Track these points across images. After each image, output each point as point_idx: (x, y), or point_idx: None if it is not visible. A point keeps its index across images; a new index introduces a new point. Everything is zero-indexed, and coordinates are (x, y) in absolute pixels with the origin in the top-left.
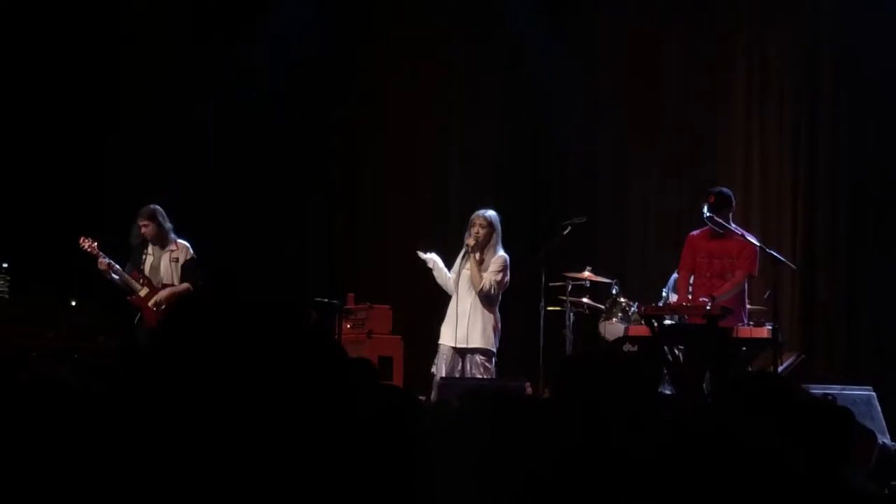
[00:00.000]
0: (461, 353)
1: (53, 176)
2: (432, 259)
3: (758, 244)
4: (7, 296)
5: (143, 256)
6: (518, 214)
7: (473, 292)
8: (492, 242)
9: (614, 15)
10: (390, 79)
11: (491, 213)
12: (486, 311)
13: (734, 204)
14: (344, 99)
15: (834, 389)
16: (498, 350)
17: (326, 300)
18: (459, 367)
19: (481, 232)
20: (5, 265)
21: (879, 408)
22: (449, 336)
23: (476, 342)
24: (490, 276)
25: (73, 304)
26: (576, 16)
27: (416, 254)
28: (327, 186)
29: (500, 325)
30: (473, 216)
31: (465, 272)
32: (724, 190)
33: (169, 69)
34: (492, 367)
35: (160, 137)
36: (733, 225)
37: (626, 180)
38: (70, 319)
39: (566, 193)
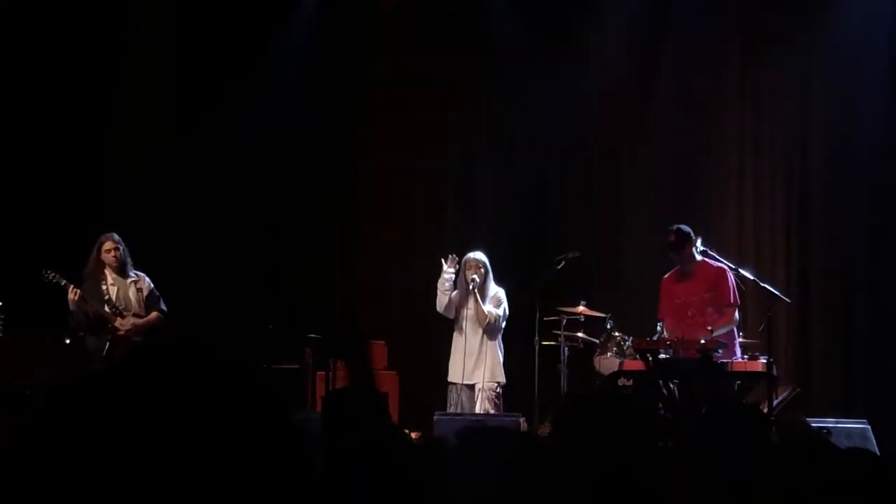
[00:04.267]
0: (470, 388)
1: (46, 215)
2: (451, 273)
3: (726, 266)
4: (1, 334)
5: (103, 286)
6: (513, 249)
7: (480, 330)
8: (487, 281)
9: (610, 52)
10: (388, 115)
11: (480, 254)
12: (492, 347)
13: (694, 238)
14: (342, 135)
15: (829, 422)
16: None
17: (320, 336)
18: (468, 403)
19: (478, 273)
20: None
21: (874, 441)
22: (457, 373)
23: (486, 377)
24: (493, 310)
25: (67, 342)
26: (573, 51)
27: (443, 260)
28: (324, 222)
29: (503, 356)
30: (466, 259)
31: (468, 311)
32: (682, 227)
33: (162, 102)
34: (500, 400)
35: (155, 170)
36: (698, 256)
37: (620, 215)
38: (63, 357)
39: (561, 228)
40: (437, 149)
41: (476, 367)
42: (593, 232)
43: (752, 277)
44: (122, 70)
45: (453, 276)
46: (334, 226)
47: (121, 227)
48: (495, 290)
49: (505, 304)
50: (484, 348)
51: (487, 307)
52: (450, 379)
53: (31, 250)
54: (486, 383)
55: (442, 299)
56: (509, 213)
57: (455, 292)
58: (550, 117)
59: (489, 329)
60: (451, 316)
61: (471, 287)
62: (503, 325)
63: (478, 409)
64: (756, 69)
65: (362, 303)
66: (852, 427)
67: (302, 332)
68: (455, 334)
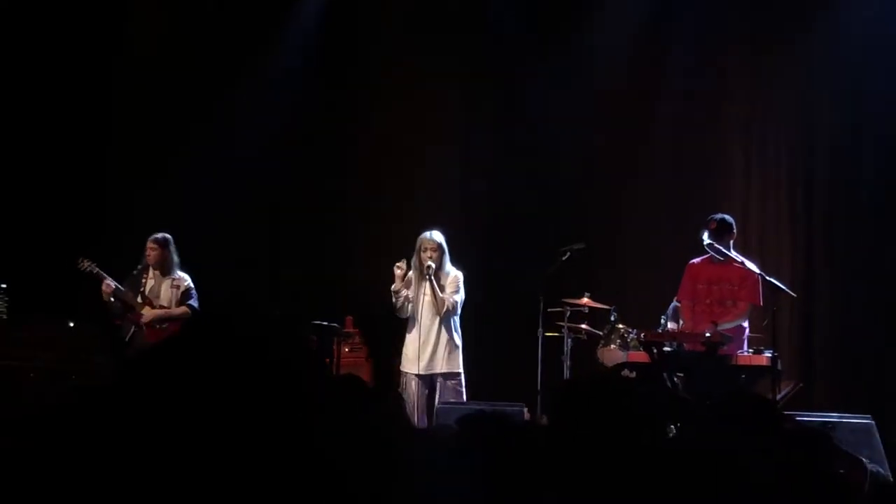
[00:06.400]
0: (429, 379)
1: (52, 196)
2: (402, 276)
3: (759, 272)
4: (5, 317)
5: (143, 280)
6: (517, 241)
7: (437, 317)
8: (443, 263)
9: (612, 44)
10: (388, 109)
11: (437, 234)
12: (449, 334)
13: (735, 231)
14: (342, 126)
15: (833, 417)
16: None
17: (325, 323)
18: (427, 394)
19: (434, 256)
20: (4, 286)
21: (878, 436)
22: (413, 363)
23: (444, 367)
24: (450, 297)
25: (71, 325)
26: (571, 44)
27: (396, 267)
28: (327, 211)
29: (461, 343)
30: (422, 240)
31: (426, 297)
32: (726, 217)
33: (170, 93)
34: (462, 389)
35: (163, 161)
36: (734, 252)
37: (625, 207)
38: (68, 340)
39: (565, 220)
40: (437, 138)
41: (433, 357)
42: (597, 223)
43: (757, 271)
44: (124, 67)
45: (404, 275)
46: (337, 214)
47: (124, 218)
48: (453, 273)
49: (462, 289)
50: (441, 336)
51: (446, 293)
52: (403, 368)
53: (34, 233)
54: (445, 374)
55: (397, 303)
56: (513, 205)
57: (409, 291)
58: (551, 114)
59: (447, 317)
60: (407, 315)
61: (426, 274)
62: (460, 310)
63: (438, 400)
64: (759, 62)
65: (364, 290)
66: (856, 422)
67: (306, 319)
68: (409, 321)
